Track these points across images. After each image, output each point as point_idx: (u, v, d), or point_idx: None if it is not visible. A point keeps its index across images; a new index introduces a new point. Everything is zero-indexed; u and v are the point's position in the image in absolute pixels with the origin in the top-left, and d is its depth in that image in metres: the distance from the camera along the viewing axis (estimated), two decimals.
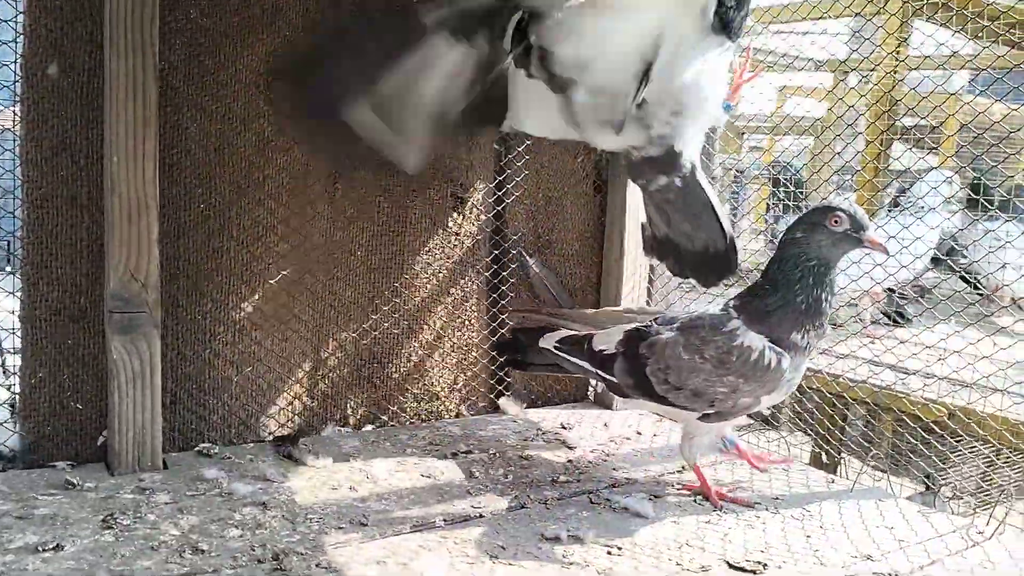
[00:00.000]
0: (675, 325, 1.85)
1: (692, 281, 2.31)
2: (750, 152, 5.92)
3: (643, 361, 1.84)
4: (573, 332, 2.02)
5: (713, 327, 1.78)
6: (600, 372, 1.93)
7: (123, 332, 1.80)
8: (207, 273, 2.01)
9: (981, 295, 3.56)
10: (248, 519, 1.66)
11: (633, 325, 1.93)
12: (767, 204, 3.91)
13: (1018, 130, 3.66)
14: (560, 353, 1.99)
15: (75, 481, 1.77)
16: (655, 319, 1.91)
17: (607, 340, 1.92)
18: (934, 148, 4.78)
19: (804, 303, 1.72)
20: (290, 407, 2.17)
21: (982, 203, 2.80)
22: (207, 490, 1.79)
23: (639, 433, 2.36)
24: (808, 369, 2.51)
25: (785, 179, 3.69)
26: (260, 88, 2.02)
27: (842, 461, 3.18)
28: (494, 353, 2.41)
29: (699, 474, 1.91)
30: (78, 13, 1.80)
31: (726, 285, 2.22)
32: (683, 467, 2.08)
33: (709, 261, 2.13)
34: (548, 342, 2.02)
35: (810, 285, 1.72)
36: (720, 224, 2.06)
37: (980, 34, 3.31)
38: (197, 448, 2.02)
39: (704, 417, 1.83)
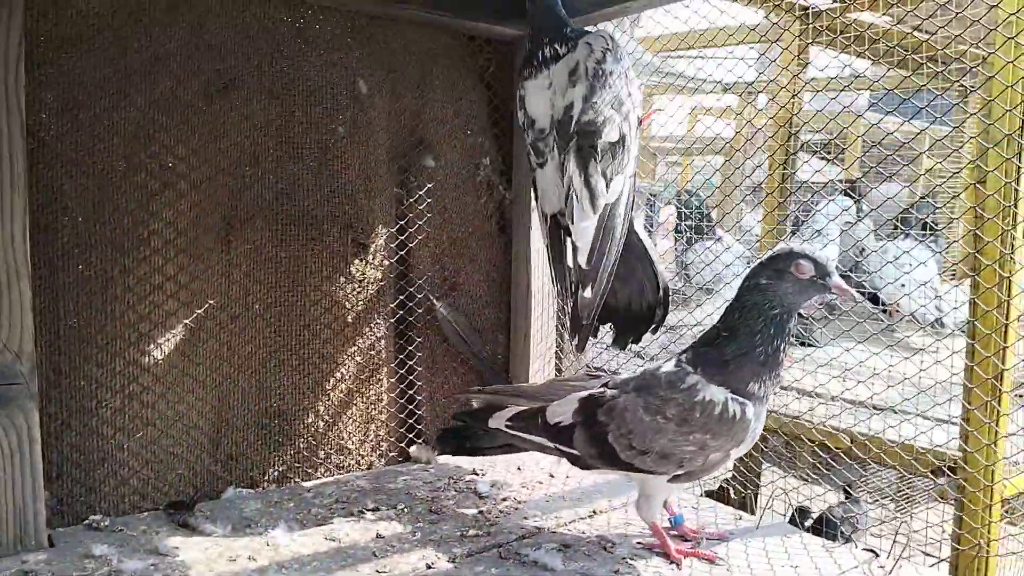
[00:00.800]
0: (629, 387, 1.76)
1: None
2: (666, 173, 6.02)
3: (603, 428, 1.74)
4: (523, 408, 1.88)
5: (671, 384, 1.70)
6: (559, 446, 1.80)
7: None
8: (90, 337, 1.91)
9: (885, 310, 3.66)
10: None
11: (585, 392, 1.82)
12: (674, 235, 3.95)
13: (909, 141, 3.79)
14: (513, 431, 1.86)
15: None
16: (605, 384, 1.82)
17: (561, 411, 1.81)
18: (835, 159, 4.94)
19: (763, 354, 1.65)
20: (190, 471, 2.08)
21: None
22: (95, 570, 1.68)
23: (551, 476, 2.34)
24: None
25: (688, 210, 3.74)
26: (141, 141, 1.94)
27: (759, 487, 3.23)
28: (440, 445, 2.20)
29: (658, 531, 1.82)
30: None
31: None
32: (594, 511, 2.07)
33: (632, 321, 2.14)
34: (498, 421, 1.87)
35: (771, 335, 1.65)
36: (656, 275, 2.07)
37: (877, 58, 3.42)
38: (87, 521, 1.91)
39: (674, 479, 1.75)
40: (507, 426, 1.86)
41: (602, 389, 1.81)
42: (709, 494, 3.04)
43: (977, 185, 2.05)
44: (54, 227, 1.86)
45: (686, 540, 1.90)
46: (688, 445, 1.69)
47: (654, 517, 1.82)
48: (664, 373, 1.74)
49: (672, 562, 1.78)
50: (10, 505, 1.73)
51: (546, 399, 1.87)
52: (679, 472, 1.73)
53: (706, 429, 1.67)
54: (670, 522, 1.92)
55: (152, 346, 1.99)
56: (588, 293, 1.91)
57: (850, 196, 3.87)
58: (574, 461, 1.83)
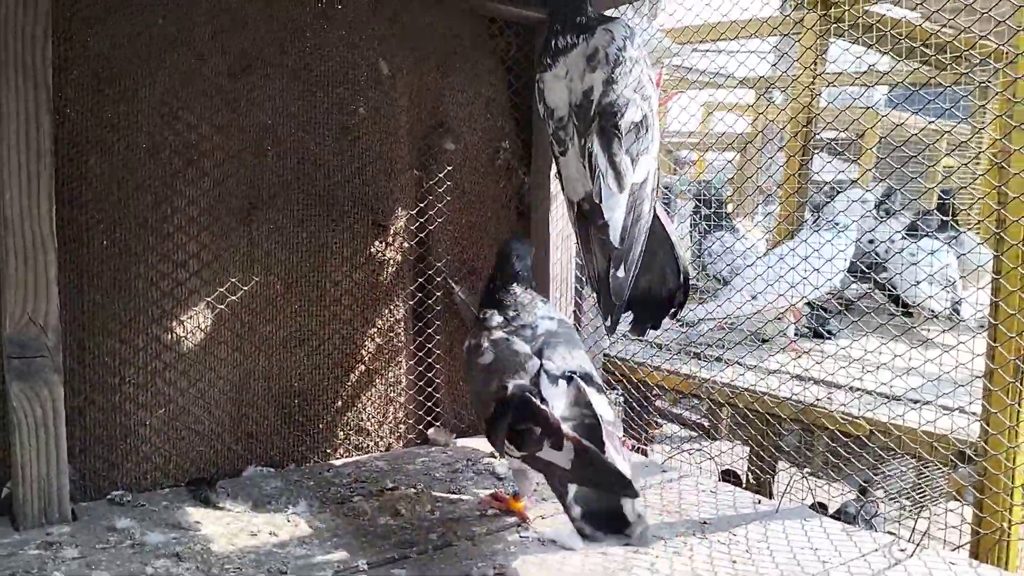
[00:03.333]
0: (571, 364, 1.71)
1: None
2: (679, 167, 6.01)
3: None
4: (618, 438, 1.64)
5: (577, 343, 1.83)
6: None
7: (22, 379, 1.71)
8: (113, 313, 1.92)
9: (908, 309, 3.64)
10: (160, 572, 1.58)
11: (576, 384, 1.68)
12: (691, 221, 3.95)
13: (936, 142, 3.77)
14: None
15: None
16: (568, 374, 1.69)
17: (607, 411, 1.65)
18: (854, 160, 4.92)
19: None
20: (210, 449, 2.09)
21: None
22: (118, 542, 1.69)
23: None
24: (738, 386, 2.54)
25: (708, 197, 3.74)
26: (165, 118, 1.95)
27: (775, 474, 3.23)
28: None
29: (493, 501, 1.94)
30: None
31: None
32: None
33: (651, 306, 2.14)
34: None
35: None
36: (677, 260, 2.08)
37: (894, 52, 3.41)
38: (109, 496, 1.93)
39: None
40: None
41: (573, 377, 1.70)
42: (726, 478, 3.04)
43: (1003, 166, 2.04)
44: (79, 202, 1.87)
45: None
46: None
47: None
48: (563, 332, 1.83)
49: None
50: (35, 478, 1.74)
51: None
52: None
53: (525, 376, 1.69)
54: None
55: (174, 323, 2.00)
56: (621, 272, 1.92)
57: (885, 205, 3.85)
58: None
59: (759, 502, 2.08)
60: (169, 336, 2.00)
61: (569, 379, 1.67)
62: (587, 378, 1.69)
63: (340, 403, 2.28)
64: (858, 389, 2.55)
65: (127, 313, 1.94)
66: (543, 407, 1.57)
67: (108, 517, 1.80)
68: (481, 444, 2.44)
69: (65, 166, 1.83)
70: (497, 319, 1.85)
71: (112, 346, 1.93)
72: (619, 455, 1.53)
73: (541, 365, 1.68)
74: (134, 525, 1.76)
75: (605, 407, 1.64)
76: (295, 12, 2.13)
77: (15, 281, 1.68)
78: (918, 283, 3.36)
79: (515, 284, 1.91)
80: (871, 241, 3.72)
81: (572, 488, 1.53)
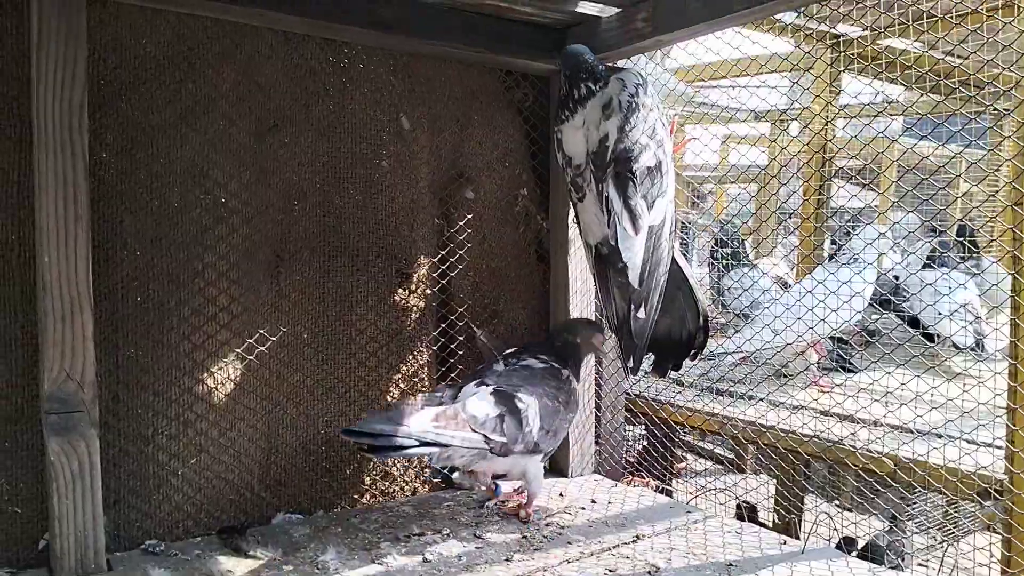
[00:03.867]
0: (514, 380, 2.10)
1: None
2: (700, 201, 6.04)
3: (522, 416, 2.03)
4: (436, 405, 1.99)
5: (554, 376, 2.18)
6: (488, 435, 1.95)
7: (60, 433, 1.76)
8: (147, 366, 1.98)
9: (931, 340, 3.63)
10: None
11: (478, 387, 2.06)
12: (709, 261, 3.97)
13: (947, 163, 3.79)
14: (442, 432, 1.88)
15: None
16: (483, 381, 2.08)
17: (479, 406, 1.98)
18: (871, 187, 4.93)
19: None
20: (240, 497, 2.14)
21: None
22: None
23: (594, 502, 2.36)
24: (761, 425, 2.56)
25: (725, 237, 3.77)
26: (196, 178, 2.02)
27: (802, 512, 3.21)
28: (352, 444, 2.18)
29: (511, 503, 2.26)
30: (6, 114, 1.80)
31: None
32: (637, 536, 2.09)
33: (672, 348, 2.19)
34: (422, 424, 1.87)
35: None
36: (696, 302, 2.13)
37: (910, 84, 3.44)
38: (143, 546, 1.97)
39: (544, 456, 2.15)
40: (434, 427, 1.90)
41: (499, 383, 2.08)
42: (752, 519, 3.03)
43: (1015, 207, 2.05)
44: (114, 260, 1.94)
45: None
46: (565, 422, 2.19)
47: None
48: (541, 368, 2.19)
49: (547, 522, 2.18)
50: (72, 530, 1.79)
51: (439, 403, 2.03)
52: (550, 449, 2.16)
53: (572, 408, 2.22)
54: (495, 493, 2.33)
55: (206, 374, 2.06)
56: (641, 313, 1.96)
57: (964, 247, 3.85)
58: (498, 451, 1.99)
59: (784, 542, 2.09)
60: (200, 387, 2.05)
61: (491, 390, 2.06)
62: (497, 392, 2.05)
63: None
64: (881, 425, 2.55)
65: (160, 366, 2.00)
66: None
67: (142, 567, 1.85)
68: (505, 486, 2.46)
69: (100, 227, 1.90)
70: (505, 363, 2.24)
71: (146, 398, 1.99)
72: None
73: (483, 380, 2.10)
74: (168, 575, 1.80)
75: (476, 404, 1.98)
76: (318, 74, 2.21)
77: (53, 340, 1.74)
78: (940, 317, 3.36)
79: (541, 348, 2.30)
80: (896, 276, 3.73)
81: None
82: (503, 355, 2.27)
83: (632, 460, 3.10)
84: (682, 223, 4.84)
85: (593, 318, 2.57)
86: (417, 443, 1.87)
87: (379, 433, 1.84)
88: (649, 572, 1.88)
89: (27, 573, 1.83)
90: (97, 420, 1.80)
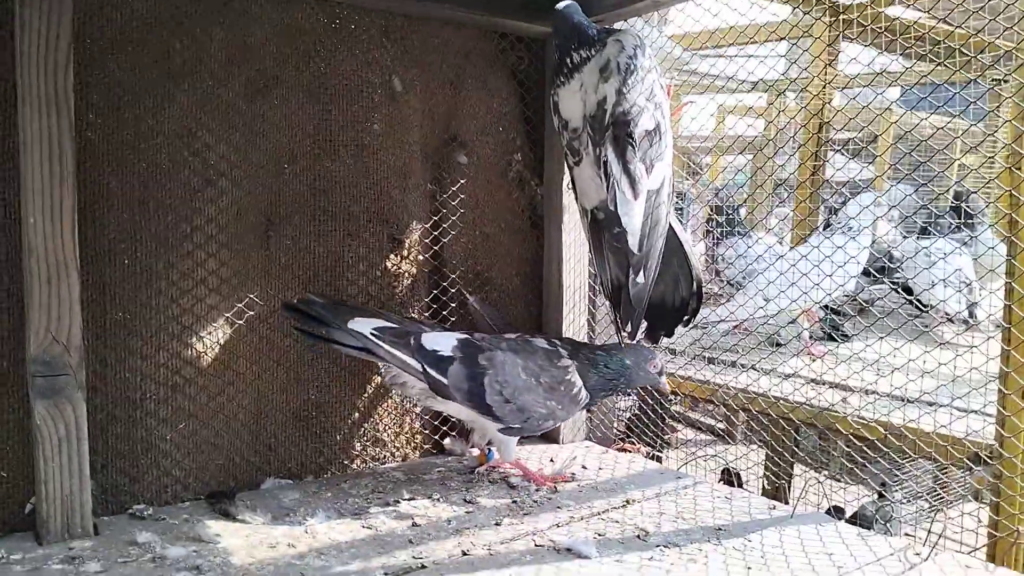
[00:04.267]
0: (503, 346, 2.12)
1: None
2: (696, 170, 6.01)
3: (482, 370, 2.06)
4: (391, 325, 2.05)
5: (548, 358, 2.15)
6: (429, 370, 2.02)
7: (46, 396, 1.75)
8: (135, 330, 1.96)
9: (922, 310, 3.64)
10: None
11: (463, 334, 2.13)
12: (706, 228, 3.96)
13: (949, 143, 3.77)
14: (379, 342, 1.99)
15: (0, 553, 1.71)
16: (471, 333, 2.15)
17: (442, 343, 2.06)
18: (869, 161, 4.91)
19: (602, 388, 2.21)
20: (229, 462, 2.13)
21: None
22: (139, 556, 1.73)
23: (584, 468, 2.36)
24: (752, 391, 2.56)
25: (721, 204, 3.75)
26: (184, 139, 1.99)
27: (791, 479, 3.22)
28: (287, 317, 2.15)
29: (522, 467, 2.25)
30: None
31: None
32: (627, 501, 2.09)
33: (664, 314, 2.17)
34: (363, 327, 1.99)
35: (610, 388, 2.22)
36: (690, 268, 2.11)
37: (906, 52, 3.41)
38: (130, 511, 1.97)
39: (507, 430, 2.13)
40: (373, 334, 1.99)
41: (481, 337, 2.14)
42: (725, 477, 3.05)
43: (1013, 170, 2.04)
44: (101, 223, 1.91)
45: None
46: (542, 408, 2.12)
47: (514, 456, 2.23)
48: (540, 347, 2.17)
49: (538, 488, 2.19)
50: (58, 494, 1.78)
51: (412, 329, 2.08)
52: (515, 426, 2.12)
53: (561, 402, 2.13)
54: (487, 458, 2.33)
55: (194, 339, 2.04)
56: (640, 278, 1.95)
57: (959, 215, 3.83)
58: (435, 387, 2.05)
59: (774, 508, 2.09)
60: (189, 352, 2.04)
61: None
62: (466, 341, 2.11)
63: (357, 415, 2.32)
64: (872, 392, 2.55)
65: (148, 330, 1.98)
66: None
67: (129, 531, 1.84)
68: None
69: (86, 188, 1.87)
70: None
71: (134, 363, 1.97)
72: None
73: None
74: (155, 539, 1.79)
75: (432, 339, 2.07)
76: (309, 34, 2.17)
77: (38, 302, 1.72)
78: (933, 285, 3.36)
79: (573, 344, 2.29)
80: (887, 247, 3.72)
81: None
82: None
83: (623, 429, 3.10)
84: (679, 192, 4.82)
85: (588, 284, 2.56)
86: (352, 345, 2.00)
87: (317, 317, 1.97)
88: (638, 536, 1.88)
89: (13, 537, 1.82)
90: (84, 383, 1.79)
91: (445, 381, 2.03)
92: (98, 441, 1.92)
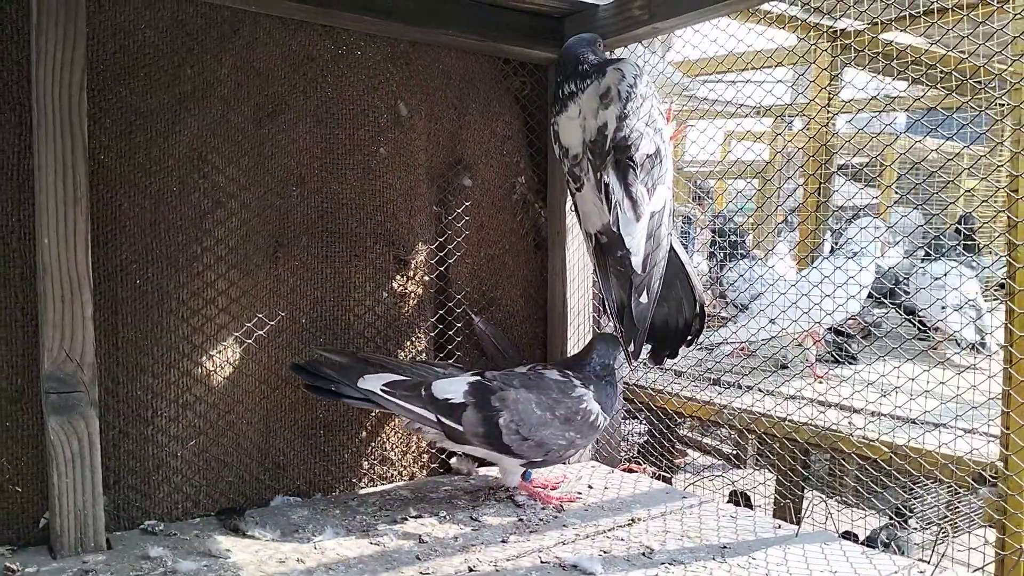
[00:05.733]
0: (515, 382, 2.13)
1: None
2: (702, 196, 6.05)
3: (495, 412, 2.07)
4: (401, 378, 2.08)
5: (561, 390, 2.16)
6: (443, 419, 2.05)
7: (60, 412, 1.78)
8: (146, 348, 2.00)
9: (924, 330, 3.65)
10: None
11: (473, 376, 2.14)
12: (710, 252, 3.99)
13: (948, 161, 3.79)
14: (390, 398, 2.03)
15: (14, 567, 1.72)
16: (479, 373, 2.16)
17: (451, 390, 2.08)
18: (871, 182, 4.94)
19: (614, 401, 2.27)
20: (239, 479, 2.15)
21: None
22: (151, 570, 1.75)
23: (590, 487, 2.37)
24: (756, 411, 2.57)
25: (726, 229, 3.78)
26: (194, 163, 2.04)
27: (802, 503, 3.22)
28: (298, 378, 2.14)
29: (528, 487, 2.26)
30: (6, 98, 1.82)
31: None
32: (632, 520, 2.10)
33: (668, 336, 2.20)
34: (373, 384, 2.04)
35: (616, 392, 2.28)
36: (693, 290, 2.14)
37: (910, 78, 3.45)
38: (142, 526, 1.99)
39: (529, 464, 2.16)
40: (384, 391, 2.04)
41: (492, 377, 2.14)
42: (735, 500, 3.04)
43: (1011, 193, 2.07)
44: (114, 243, 1.95)
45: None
46: (562, 440, 2.13)
47: (517, 482, 2.24)
48: (553, 379, 2.18)
49: (543, 506, 2.20)
50: (71, 508, 1.80)
51: (421, 375, 2.13)
52: (539, 460, 2.14)
53: (579, 430, 2.15)
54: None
55: (204, 358, 2.07)
56: (644, 298, 1.98)
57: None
58: (451, 435, 2.09)
59: (779, 527, 2.10)
60: (199, 370, 2.07)
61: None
62: (477, 384, 2.12)
63: (364, 433, 2.34)
64: (876, 413, 2.56)
65: (159, 349, 2.02)
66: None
67: (141, 546, 1.86)
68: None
69: (100, 210, 1.91)
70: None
71: (145, 381, 2.01)
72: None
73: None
74: (166, 553, 1.82)
75: (443, 387, 2.09)
76: (317, 60, 2.22)
77: (52, 320, 1.76)
78: (944, 312, 3.37)
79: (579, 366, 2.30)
80: (889, 269, 3.74)
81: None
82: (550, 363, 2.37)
83: (637, 455, 3.12)
84: (684, 216, 4.85)
85: (592, 306, 2.59)
86: (360, 397, 2.04)
87: (325, 376, 2.03)
88: (643, 554, 1.89)
89: (28, 550, 1.84)
90: (96, 400, 1.82)
91: (460, 428, 2.06)
92: (110, 457, 1.95)
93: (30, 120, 1.77)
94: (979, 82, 3.11)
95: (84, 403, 1.80)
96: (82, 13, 1.76)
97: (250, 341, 2.15)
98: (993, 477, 2.15)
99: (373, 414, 2.34)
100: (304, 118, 2.21)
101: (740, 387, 2.98)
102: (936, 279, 3.41)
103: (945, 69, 2.83)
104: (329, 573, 1.76)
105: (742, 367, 3.19)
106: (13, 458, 1.87)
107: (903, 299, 3.54)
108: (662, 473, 2.92)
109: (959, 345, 3.47)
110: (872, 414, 2.59)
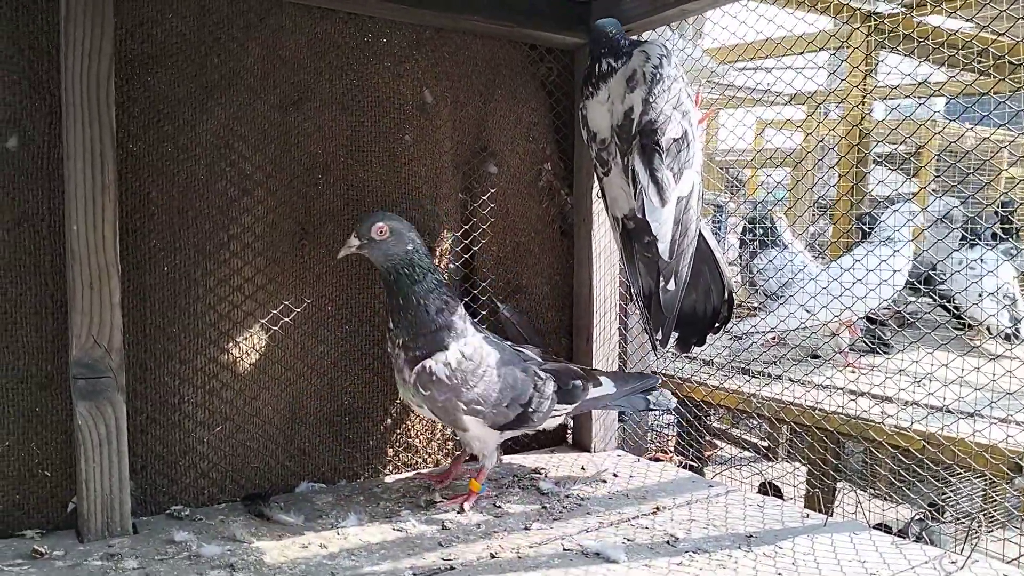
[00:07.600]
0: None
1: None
2: (736, 185, 5.98)
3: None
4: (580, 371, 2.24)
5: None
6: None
7: (88, 398, 1.80)
8: (173, 335, 2.02)
9: (960, 321, 3.57)
10: None
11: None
12: (740, 240, 3.94)
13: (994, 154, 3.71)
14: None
15: (43, 550, 1.75)
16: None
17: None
18: (912, 175, 4.84)
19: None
20: (264, 465, 2.17)
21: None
22: (175, 554, 1.77)
23: (615, 475, 2.36)
24: (783, 400, 2.53)
25: (758, 217, 3.73)
26: (221, 151, 2.05)
27: (835, 492, 3.17)
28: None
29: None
30: (36, 87, 1.84)
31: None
32: (657, 508, 2.09)
33: (696, 324, 2.17)
34: (608, 387, 2.26)
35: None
36: (721, 276, 2.11)
37: (946, 63, 3.37)
38: (168, 511, 2.01)
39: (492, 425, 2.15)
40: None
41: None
42: (776, 493, 3.00)
43: None
44: (142, 231, 1.97)
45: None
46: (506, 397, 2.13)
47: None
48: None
49: (567, 494, 2.20)
50: (98, 493, 1.83)
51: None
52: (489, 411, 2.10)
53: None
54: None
55: (231, 344, 2.09)
56: (671, 285, 1.96)
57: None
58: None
59: (807, 516, 2.07)
60: (226, 357, 2.09)
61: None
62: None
63: (390, 421, 2.35)
64: (911, 403, 2.51)
65: (187, 335, 2.04)
66: None
67: (167, 530, 1.89)
68: (526, 460, 2.48)
69: (128, 198, 1.94)
70: None
71: (172, 367, 2.03)
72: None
73: None
74: (191, 538, 1.84)
75: None
76: (342, 47, 2.22)
77: (81, 307, 1.78)
78: (980, 297, 3.29)
79: None
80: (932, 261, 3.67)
81: None
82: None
83: (672, 448, 3.09)
84: (716, 204, 4.79)
85: (619, 292, 2.57)
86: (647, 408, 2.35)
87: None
88: (668, 542, 1.87)
89: (56, 535, 1.87)
90: (124, 386, 1.84)
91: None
92: (137, 443, 1.98)
93: (60, 109, 1.79)
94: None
95: (112, 389, 1.82)
96: (110, 2, 1.78)
97: (276, 328, 2.16)
98: None
99: (399, 401, 2.35)
100: (330, 106, 2.22)
101: (771, 377, 2.94)
102: (971, 263, 3.34)
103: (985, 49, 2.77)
104: (351, 558, 1.77)
105: (774, 357, 3.15)
106: (42, 443, 1.90)
107: (937, 284, 3.46)
108: (690, 462, 2.90)
109: (991, 333, 3.40)
110: (905, 403, 2.55)
